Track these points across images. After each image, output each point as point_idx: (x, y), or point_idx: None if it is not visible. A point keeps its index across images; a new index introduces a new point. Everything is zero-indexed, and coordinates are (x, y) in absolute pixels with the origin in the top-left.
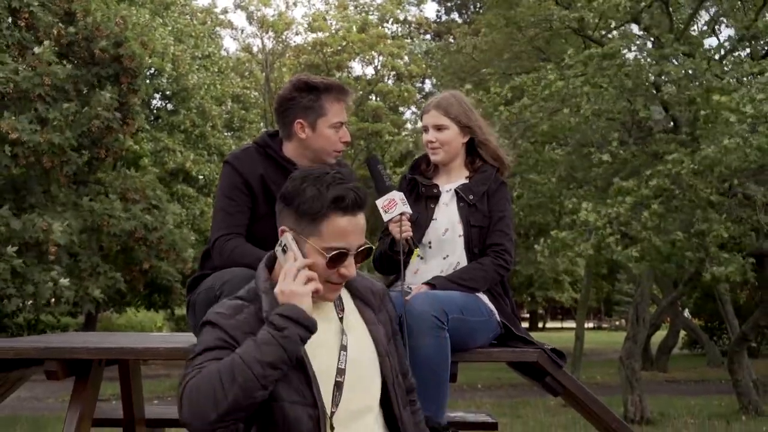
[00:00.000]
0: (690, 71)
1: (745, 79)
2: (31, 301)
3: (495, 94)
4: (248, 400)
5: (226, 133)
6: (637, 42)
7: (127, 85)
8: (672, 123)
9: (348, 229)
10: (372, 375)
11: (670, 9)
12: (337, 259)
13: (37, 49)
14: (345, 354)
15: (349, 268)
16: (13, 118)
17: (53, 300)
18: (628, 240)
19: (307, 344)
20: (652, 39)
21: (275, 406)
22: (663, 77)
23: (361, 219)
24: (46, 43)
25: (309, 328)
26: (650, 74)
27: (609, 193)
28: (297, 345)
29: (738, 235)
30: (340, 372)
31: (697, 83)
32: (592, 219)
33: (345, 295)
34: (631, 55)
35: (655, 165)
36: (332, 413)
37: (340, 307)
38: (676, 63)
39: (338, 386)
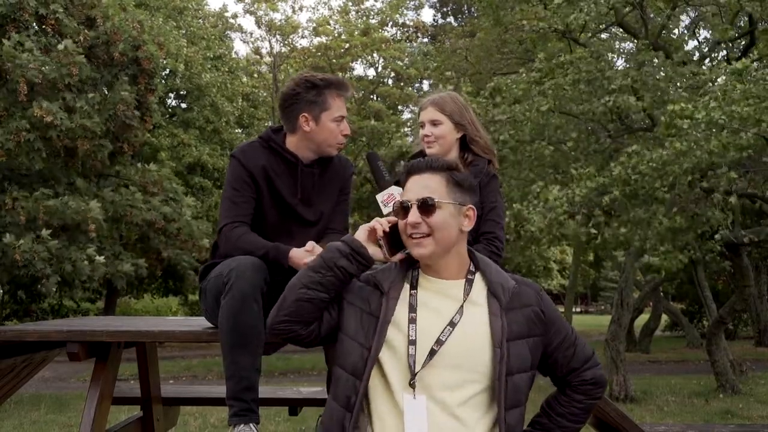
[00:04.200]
0: (658, 76)
1: (715, 81)
2: (57, 284)
3: (466, 93)
4: (293, 295)
5: (237, 130)
6: (620, 46)
7: (144, 85)
8: (650, 120)
9: (408, 187)
10: (476, 357)
11: (650, 15)
12: (400, 211)
13: (60, 46)
14: (451, 329)
15: (409, 217)
16: (46, 104)
17: (89, 277)
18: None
19: (420, 306)
20: (634, 41)
21: (340, 335)
22: (635, 83)
23: (421, 178)
24: (69, 40)
25: (349, 243)
26: (622, 79)
27: (572, 175)
28: (335, 254)
29: (683, 227)
30: (439, 342)
31: (662, 85)
32: (551, 197)
33: (479, 284)
34: (619, 60)
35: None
36: (417, 372)
37: (467, 291)
38: (655, 63)
39: (431, 353)
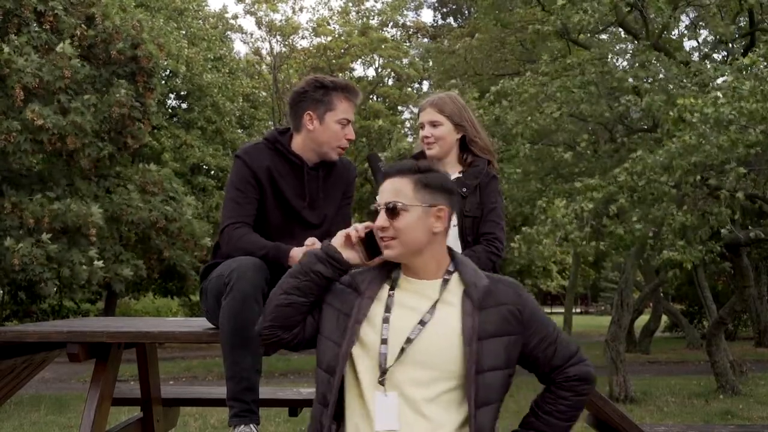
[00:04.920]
0: (660, 76)
1: (720, 80)
2: (56, 287)
3: (472, 99)
4: (274, 301)
5: (238, 130)
6: (619, 47)
7: (143, 84)
8: (652, 122)
9: (380, 190)
10: (446, 356)
11: (650, 15)
12: (372, 214)
13: (59, 48)
14: (421, 328)
15: (377, 221)
16: (38, 108)
17: (87, 282)
18: (599, 235)
19: (396, 306)
20: (635, 42)
21: (318, 336)
22: (638, 81)
23: (391, 182)
24: (67, 41)
25: (325, 249)
26: (628, 79)
27: (577, 188)
28: (312, 258)
29: (695, 225)
30: (409, 340)
31: (671, 86)
32: (560, 215)
33: (455, 283)
34: (619, 61)
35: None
36: (387, 369)
37: (441, 291)
38: (658, 64)
39: (402, 351)
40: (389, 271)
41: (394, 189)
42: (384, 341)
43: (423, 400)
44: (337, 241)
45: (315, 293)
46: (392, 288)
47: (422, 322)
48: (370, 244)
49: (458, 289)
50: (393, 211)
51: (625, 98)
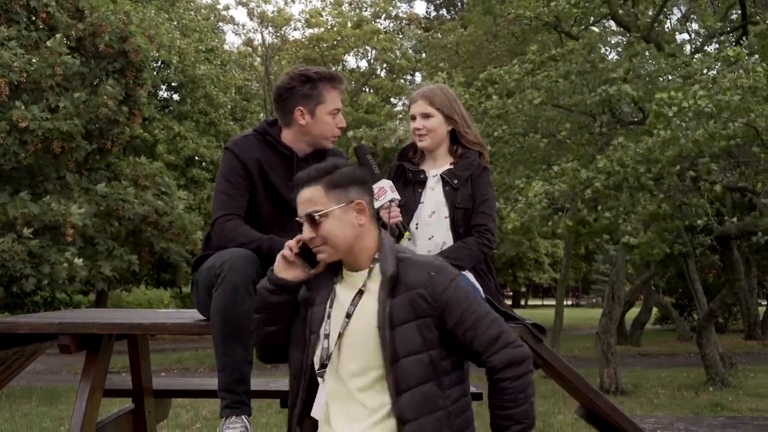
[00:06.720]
0: (651, 68)
1: (711, 73)
2: (46, 281)
3: (459, 86)
4: (258, 333)
5: (230, 122)
6: (611, 40)
7: (132, 79)
8: (641, 113)
9: (297, 202)
10: (369, 346)
11: (641, 7)
12: (300, 227)
13: (49, 43)
14: (347, 321)
15: (303, 234)
16: (23, 107)
17: (68, 279)
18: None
19: (336, 301)
20: (627, 36)
21: (289, 348)
22: (625, 73)
23: (303, 193)
24: (58, 36)
25: (270, 278)
26: (617, 69)
27: (554, 171)
28: (264, 293)
29: (668, 213)
30: (341, 335)
31: (660, 79)
32: (531, 194)
33: (377, 272)
34: (609, 52)
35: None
36: (326, 364)
37: (364, 282)
38: (647, 54)
39: (338, 346)
40: (337, 268)
41: (307, 198)
42: (326, 336)
43: (357, 389)
44: (278, 265)
45: (283, 319)
46: (336, 283)
47: (348, 315)
48: (308, 255)
49: (377, 274)
50: (313, 221)
51: (602, 88)
